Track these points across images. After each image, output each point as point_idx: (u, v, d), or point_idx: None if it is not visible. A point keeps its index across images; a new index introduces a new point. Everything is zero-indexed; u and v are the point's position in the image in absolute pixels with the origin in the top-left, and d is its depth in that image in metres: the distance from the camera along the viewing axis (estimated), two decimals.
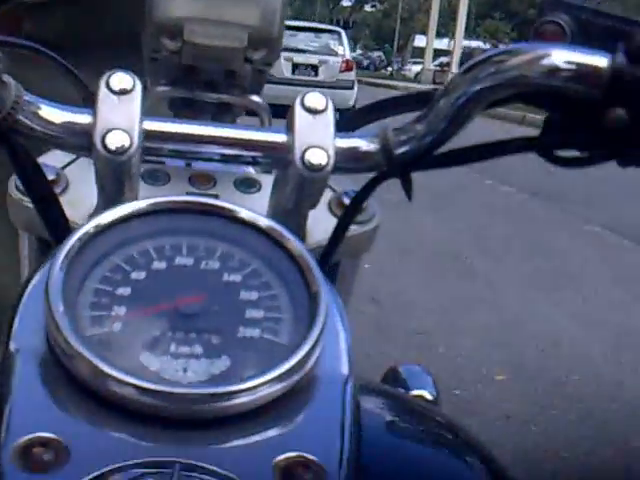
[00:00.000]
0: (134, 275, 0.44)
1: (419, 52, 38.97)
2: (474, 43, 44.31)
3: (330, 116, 0.53)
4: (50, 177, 0.57)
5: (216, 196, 0.62)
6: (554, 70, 0.51)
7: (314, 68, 12.92)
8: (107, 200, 0.54)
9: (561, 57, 0.51)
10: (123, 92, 0.50)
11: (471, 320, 3.75)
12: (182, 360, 0.41)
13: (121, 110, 0.49)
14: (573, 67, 0.51)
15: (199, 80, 0.62)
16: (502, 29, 43.71)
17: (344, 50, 13.65)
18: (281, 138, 0.54)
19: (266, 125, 0.66)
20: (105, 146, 0.48)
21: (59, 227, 0.54)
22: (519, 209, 6.47)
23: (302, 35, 13.20)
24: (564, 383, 3.02)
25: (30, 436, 0.38)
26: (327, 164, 0.51)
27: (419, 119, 0.55)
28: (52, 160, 0.59)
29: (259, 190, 0.64)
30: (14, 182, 0.59)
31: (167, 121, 0.54)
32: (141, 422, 0.39)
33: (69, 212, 0.56)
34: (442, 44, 41.06)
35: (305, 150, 0.51)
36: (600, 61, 0.50)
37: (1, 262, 1.02)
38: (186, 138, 0.54)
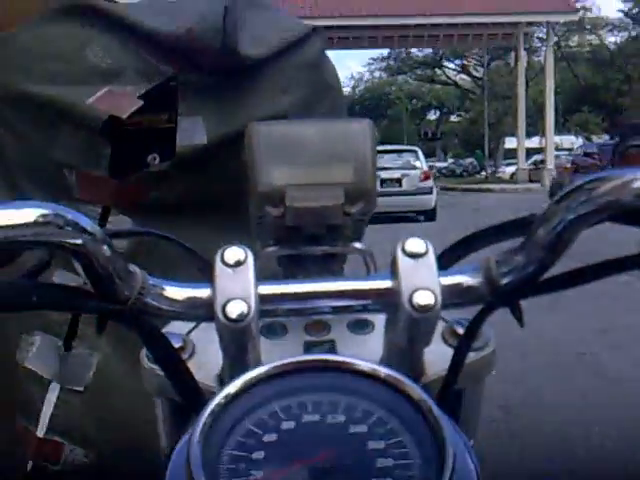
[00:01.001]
0: (266, 438, 0.46)
1: (511, 153, 39.04)
2: (565, 138, 44.09)
3: (431, 258, 0.56)
4: (177, 345, 0.61)
5: (332, 342, 0.64)
6: None
7: (398, 181, 16.08)
8: (232, 362, 0.58)
9: None
10: (237, 264, 0.54)
11: (606, 420, 3.59)
12: None
13: (237, 281, 0.54)
14: None
15: (303, 237, 0.66)
16: (592, 120, 43.44)
17: (421, 164, 17.11)
18: (387, 284, 0.56)
19: (371, 270, 0.69)
20: (226, 316, 0.52)
21: (189, 391, 0.57)
22: None
23: (387, 156, 16.35)
24: None
25: None
26: (435, 304, 0.53)
27: (520, 248, 0.58)
28: (177, 328, 0.64)
29: (373, 330, 0.66)
30: (145, 353, 0.64)
31: (279, 284, 0.57)
32: None
33: (198, 375, 0.59)
34: (533, 143, 41.04)
35: (412, 293, 0.54)
36: None
37: (134, 424, 1.07)
38: (299, 297, 0.57)
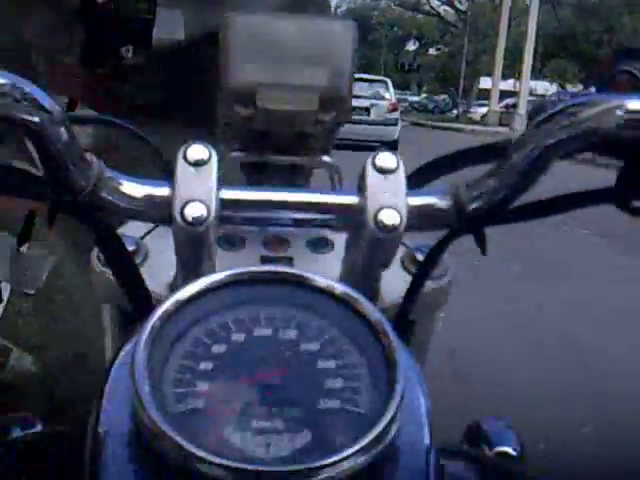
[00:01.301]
0: (215, 349, 0.44)
1: (485, 94, 38.90)
2: (540, 84, 43.95)
3: (401, 175, 0.53)
4: (130, 248, 0.59)
5: (290, 259, 0.62)
6: (629, 121, 0.51)
7: (367, 110, 16.68)
8: (186, 269, 0.56)
9: (636, 107, 0.51)
10: (200, 163, 0.51)
11: (555, 370, 3.66)
12: (265, 436, 0.41)
13: (198, 181, 0.51)
14: None
15: (271, 144, 0.63)
16: (570, 69, 43.28)
17: (390, 95, 17.99)
18: (353, 200, 0.54)
19: (337, 185, 0.67)
20: (184, 218, 0.50)
21: (140, 298, 0.55)
22: (593, 253, 6.30)
23: (357, 85, 15.75)
24: None
25: None
26: (400, 224, 0.51)
27: (491, 173, 0.55)
28: (131, 230, 0.61)
29: (332, 249, 0.64)
30: (95, 255, 0.61)
31: (242, 189, 0.55)
32: None
33: (149, 282, 0.57)
34: (508, 85, 40.84)
35: (377, 211, 0.52)
36: None
37: (85, 333, 1.04)
38: (261, 205, 0.54)
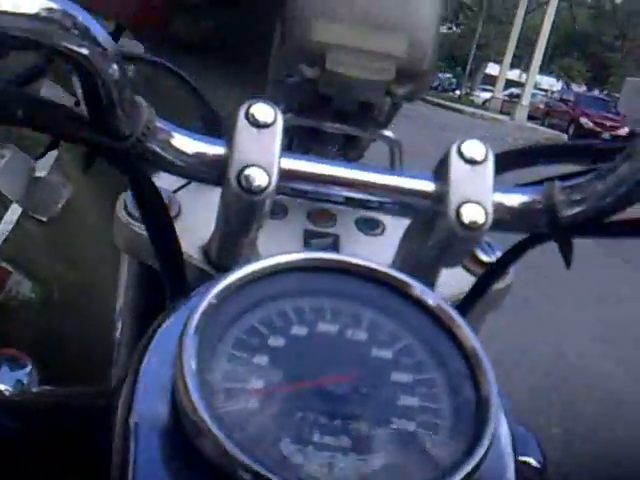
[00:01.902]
0: (272, 341, 0.39)
1: (489, 80, 38.72)
2: (545, 79, 43.85)
3: (490, 167, 0.47)
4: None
5: (337, 236, 0.57)
6: None
7: None
8: (226, 235, 0.50)
9: None
10: (264, 125, 0.45)
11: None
12: (327, 453, 0.35)
13: (260, 145, 0.44)
14: None
15: (330, 110, 0.57)
16: (577, 68, 43.12)
17: None
18: (429, 187, 0.48)
19: (396, 164, 0.61)
20: (240, 183, 0.43)
21: (171, 256, 0.49)
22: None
23: None
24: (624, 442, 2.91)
25: None
26: (485, 222, 0.45)
27: (595, 178, 0.49)
28: (162, 182, 0.55)
29: (383, 232, 0.58)
30: (122, 203, 0.56)
31: (304, 159, 0.48)
32: None
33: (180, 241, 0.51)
34: (513, 75, 40.68)
35: (460, 205, 0.46)
36: None
37: (94, 271, 0.98)
38: (325, 179, 0.48)
